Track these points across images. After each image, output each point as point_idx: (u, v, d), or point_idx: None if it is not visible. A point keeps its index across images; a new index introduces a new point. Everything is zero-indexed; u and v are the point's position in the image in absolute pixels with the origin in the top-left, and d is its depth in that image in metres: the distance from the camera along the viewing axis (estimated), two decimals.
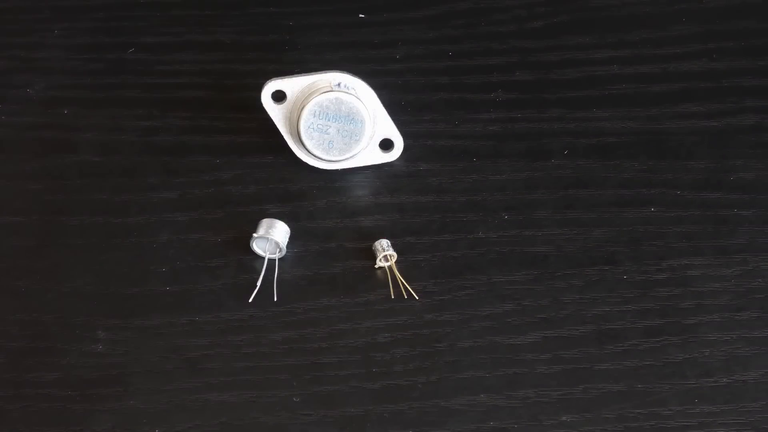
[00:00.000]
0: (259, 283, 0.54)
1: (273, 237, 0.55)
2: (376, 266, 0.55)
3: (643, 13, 0.66)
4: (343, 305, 0.54)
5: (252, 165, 0.59)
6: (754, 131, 0.61)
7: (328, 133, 0.57)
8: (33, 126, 0.61)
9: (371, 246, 0.56)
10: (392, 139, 0.59)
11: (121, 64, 0.64)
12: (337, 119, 0.57)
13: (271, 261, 0.55)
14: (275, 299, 0.54)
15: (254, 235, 0.55)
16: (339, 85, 0.57)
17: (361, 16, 0.66)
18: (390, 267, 0.55)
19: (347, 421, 0.50)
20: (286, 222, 0.56)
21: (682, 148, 0.60)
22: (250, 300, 0.54)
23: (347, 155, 0.58)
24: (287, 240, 0.55)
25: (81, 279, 0.55)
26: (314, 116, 0.57)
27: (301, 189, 0.59)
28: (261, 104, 0.58)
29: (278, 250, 0.55)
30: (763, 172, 0.59)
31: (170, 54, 0.65)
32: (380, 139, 0.59)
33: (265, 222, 0.55)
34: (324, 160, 0.58)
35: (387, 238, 0.56)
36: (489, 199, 0.58)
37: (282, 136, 0.58)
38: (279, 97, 0.58)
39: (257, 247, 0.55)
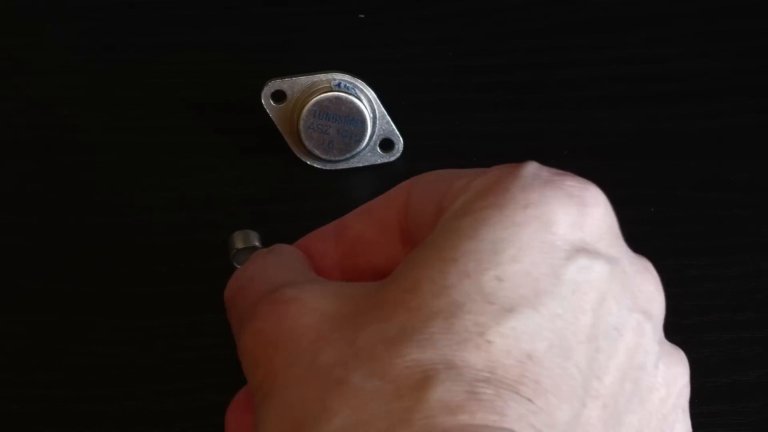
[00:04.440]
0: None
1: (253, 243, 0.51)
2: None
3: (643, 13, 0.66)
4: None
5: (252, 165, 0.59)
6: (754, 131, 0.61)
7: (328, 133, 0.57)
8: (33, 126, 0.61)
9: None
10: (392, 139, 0.59)
11: (121, 64, 0.64)
12: (337, 119, 0.57)
13: None
14: None
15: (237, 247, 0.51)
16: (339, 85, 0.57)
17: (361, 16, 0.66)
18: None
19: None
20: (285, 222, 0.56)
21: (682, 148, 0.60)
22: None
23: (347, 155, 0.58)
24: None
25: (81, 279, 0.55)
26: (314, 116, 0.57)
27: (301, 189, 0.59)
28: (261, 104, 0.58)
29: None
30: (763, 172, 0.59)
31: (170, 54, 0.65)
32: (380, 139, 0.59)
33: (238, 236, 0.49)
34: (324, 160, 0.58)
35: None
36: None
37: (282, 136, 0.58)
38: (279, 97, 0.58)
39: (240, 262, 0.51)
